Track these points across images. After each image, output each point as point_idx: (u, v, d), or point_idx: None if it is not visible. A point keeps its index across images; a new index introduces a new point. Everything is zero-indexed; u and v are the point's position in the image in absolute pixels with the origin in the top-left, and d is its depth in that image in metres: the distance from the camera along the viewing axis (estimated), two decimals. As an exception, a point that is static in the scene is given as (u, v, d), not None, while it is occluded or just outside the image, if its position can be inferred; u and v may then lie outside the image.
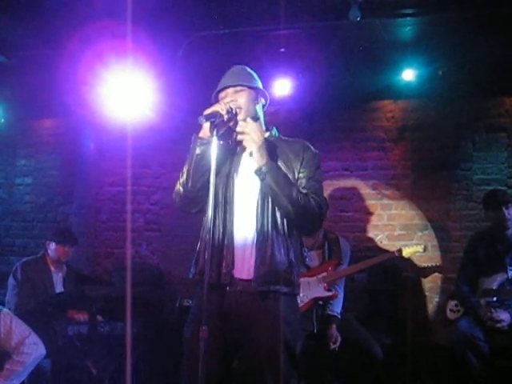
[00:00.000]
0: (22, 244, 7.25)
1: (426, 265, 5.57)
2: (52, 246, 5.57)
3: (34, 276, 5.43)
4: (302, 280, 4.90)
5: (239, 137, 3.05)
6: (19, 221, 7.45)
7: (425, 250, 5.45)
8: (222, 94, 3.23)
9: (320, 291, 5.07)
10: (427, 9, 4.95)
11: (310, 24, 5.11)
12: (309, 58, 5.55)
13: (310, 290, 5.02)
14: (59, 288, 5.53)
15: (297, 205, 2.98)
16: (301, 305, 4.83)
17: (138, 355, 5.10)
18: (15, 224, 7.47)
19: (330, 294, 5.09)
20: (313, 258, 5.26)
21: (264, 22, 5.08)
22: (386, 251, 5.81)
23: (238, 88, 3.19)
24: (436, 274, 5.70)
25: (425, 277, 5.73)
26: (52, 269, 5.56)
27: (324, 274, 5.12)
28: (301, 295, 4.94)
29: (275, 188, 2.98)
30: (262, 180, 2.99)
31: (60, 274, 5.60)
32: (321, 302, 5.13)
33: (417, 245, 5.46)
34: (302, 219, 3.07)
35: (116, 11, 4.54)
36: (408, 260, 5.77)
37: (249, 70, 3.34)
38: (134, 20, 4.48)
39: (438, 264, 5.59)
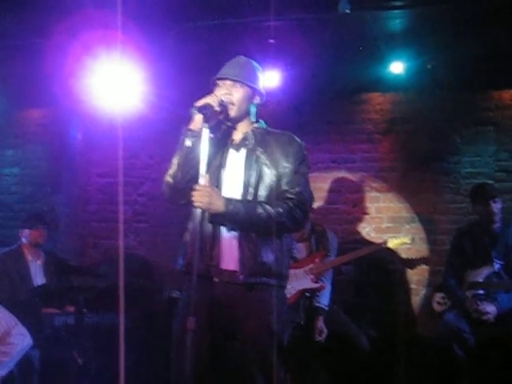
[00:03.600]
0: (9, 235, 7.17)
1: (412, 257, 5.59)
2: (25, 232, 5.57)
3: (11, 268, 5.40)
4: (291, 272, 4.91)
5: None
6: (6, 211, 7.40)
7: (412, 241, 5.47)
8: (219, 82, 3.21)
9: (307, 283, 5.08)
10: (416, 2, 4.97)
11: (299, 16, 5.11)
12: (298, 49, 5.54)
13: (296, 282, 5.03)
14: (39, 277, 5.50)
15: (270, 224, 3.01)
16: (288, 296, 4.85)
17: (125, 346, 5.10)
18: (2, 214, 7.41)
19: (317, 285, 5.10)
20: (300, 250, 5.27)
21: (253, 13, 5.07)
22: (374, 243, 5.82)
23: (237, 84, 3.18)
24: (423, 266, 5.72)
25: (412, 268, 5.74)
26: (29, 258, 5.53)
27: (311, 265, 5.13)
28: (288, 287, 4.93)
29: (241, 226, 3.04)
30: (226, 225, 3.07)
31: (39, 262, 5.57)
32: (308, 294, 5.15)
33: (404, 236, 5.48)
34: (283, 229, 3.11)
35: (104, 1, 4.51)
36: (395, 252, 5.79)
37: (254, 64, 3.32)
38: (123, 10, 4.44)
39: (424, 256, 5.61)
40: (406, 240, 5.38)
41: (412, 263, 5.58)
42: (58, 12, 4.91)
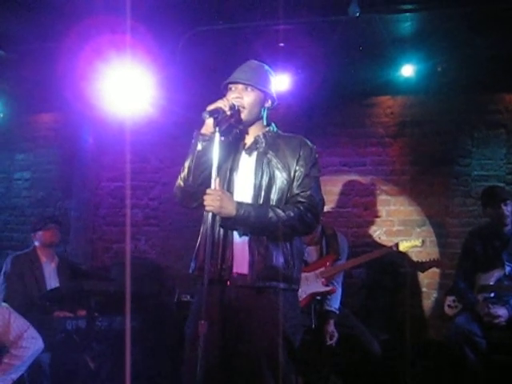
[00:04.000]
0: (21, 239, 7.24)
1: (423, 259, 5.56)
2: (38, 234, 5.59)
3: (25, 270, 5.45)
4: (302, 275, 4.90)
5: None
6: (17, 215, 7.44)
7: (423, 244, 5.45)
8: (231, 86, 3.22)
9: (318, 286, 5.07)
10: (426, 4, 4.96)
11: (309, 19, 5.11)
12: (308, 53, 5.55)
13: (307, 286, 5.01)
14: (53, 279, 5.53)
15: (281, 228, 3.02)
16: (299, 300, 4.85)
17: (136, 350, 5.11)
18: (13, 218, 7.46)
19: (328, 289, 5.09)
20: (310, 254, 5.26)
21: (263, 17, 5.08)
22: (385, 246, 5.80)
23: (249, 88, 3.19)
24: (434, 269, 5.70)
25: (422, 272, 5.71)
26: (44, 260, 5.57)
27: (322, 269, 5.12)
28: (299, 291, 4.93)
29: (252, 229, 3.05)
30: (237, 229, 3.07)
31: (53, 265, 5.60)
32: (319, 298, 5.14)
33: (415, 239, 5.46)
34: (293, 232, 3.12)
35: (115, 5, 4.53)
36: (406, 255, 5.78)
37: (266, 68, 3.33)
38: (133, 14, 4.48)
39: (436, 258, 5.58)
40: (417, 243, 5.35)
41: (423, 266, 5.55)
42: (69, 17, 4.94)
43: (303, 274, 4.97)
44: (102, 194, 7.22)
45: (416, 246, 5.40)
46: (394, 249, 5.30)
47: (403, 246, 5.29)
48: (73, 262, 6.04)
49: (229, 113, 3.02)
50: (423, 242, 5.47)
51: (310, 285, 5.05)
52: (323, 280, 5.08)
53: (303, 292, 4.96)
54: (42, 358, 4.68)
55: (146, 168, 7.06)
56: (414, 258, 5.89)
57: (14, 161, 7.55)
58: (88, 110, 6.48)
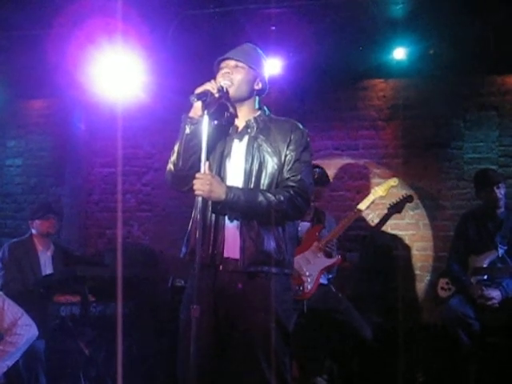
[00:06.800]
0: (13, 225, 7.23)
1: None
2: (36, 223, 5.58)
3: (21, 257, 5.44)
4: (299, 257, 4.88)
5: None
6: (10, 202, 7.42)
7: (398, 182, 5.34)
8: (222, 64, 3.22)
9: (323, 261, 5.02)
10: (418, -14, 4.94)
11: (300, 2, 5.09)
12: (300, 36, 5.51)
13: (313, 265, 4.98)
14: (48, 267, 5.53)
15: (271, 212, 3.01)
16: (312, 284, 4.86)
17: (130, 335, 5.12)
18: (6, 205, 7.44)
19: (334, 260, 5.03)
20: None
21: (254, 0, 5.05)
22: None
23: (239, 64, 3.19)
24: (428, 252, 5.68)
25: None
26: (40, 248, 5.56)
27: (315, 242, 5.07)
28: (307, 274, 4.91)
29: (242, 214, 3.04)
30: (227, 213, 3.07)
31: (48, 253, 5.60)
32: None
33: (389, 180, 5.33)
34: (284, 216, 3.10)
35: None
36: (399, 239, 5.76)
37: (259, 52, 3.34)
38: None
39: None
40: (392, 183, 5.25)
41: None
42: (60, 1, 4.90)
43: (302, 255, 4.95)
44: (95, 180, 7.22)
45: (392, 187, 5.30)
46: (375, 197, 5.17)
47: (381, 191, 5.18)
48: (67, 249, 6.03)
49: (217, 95, 3.01)
50: (398, 180, 5.38)
51: (315, 263, 5.00)
52: (322, 253, 5.02)
53: (313, 271, 4.94)
54: (36, 345, 4.67)
55: (139, 153, 7.05)
56: (407, 242, 5.86)
57: (5, 147, 7.53)
58: (80, 95, 6.47)
